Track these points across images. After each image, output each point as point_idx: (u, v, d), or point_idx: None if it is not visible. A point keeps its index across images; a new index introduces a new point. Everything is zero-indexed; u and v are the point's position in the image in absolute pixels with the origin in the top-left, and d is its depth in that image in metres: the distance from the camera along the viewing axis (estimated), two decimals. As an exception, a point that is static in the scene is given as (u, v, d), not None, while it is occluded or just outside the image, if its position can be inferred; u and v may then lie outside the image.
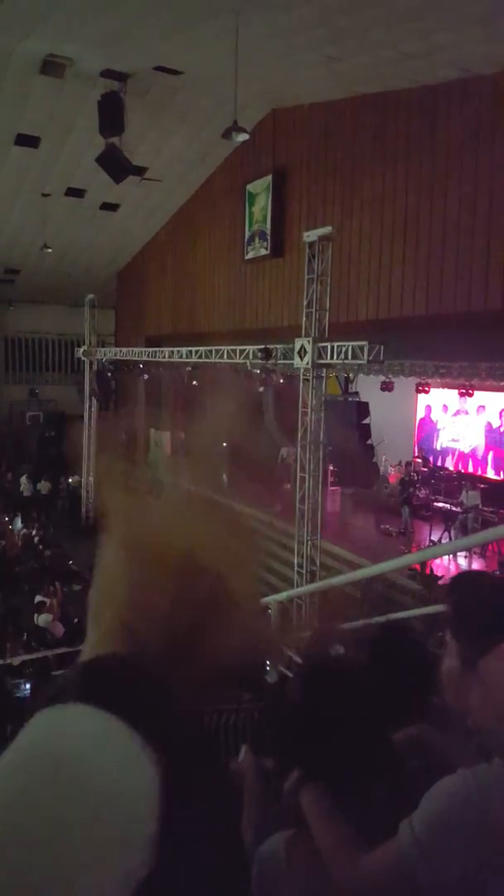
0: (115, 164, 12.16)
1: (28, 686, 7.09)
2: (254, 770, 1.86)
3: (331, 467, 14.39)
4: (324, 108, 12.56)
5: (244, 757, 1.99)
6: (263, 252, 14.48)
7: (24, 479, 20.05)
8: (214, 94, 11.96)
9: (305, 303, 10.20)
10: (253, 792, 1.77)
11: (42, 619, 10.43)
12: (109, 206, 17.22)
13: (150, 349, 16.85)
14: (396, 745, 1.56)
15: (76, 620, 10.88)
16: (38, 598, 11.09)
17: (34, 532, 16.54)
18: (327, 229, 9.89)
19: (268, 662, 4.69)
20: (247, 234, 14.99)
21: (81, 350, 19.35)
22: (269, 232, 14.24)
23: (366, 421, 10.28)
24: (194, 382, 15.40)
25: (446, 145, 10.12)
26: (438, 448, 17.69)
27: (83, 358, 19.33)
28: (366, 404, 11.20)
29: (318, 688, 1.42)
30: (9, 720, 2.89)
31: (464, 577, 1.32)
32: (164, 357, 15.84)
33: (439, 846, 1.09)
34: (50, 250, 17.43)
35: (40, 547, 15.63)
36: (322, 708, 1.36)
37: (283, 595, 6.15)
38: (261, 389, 12.05)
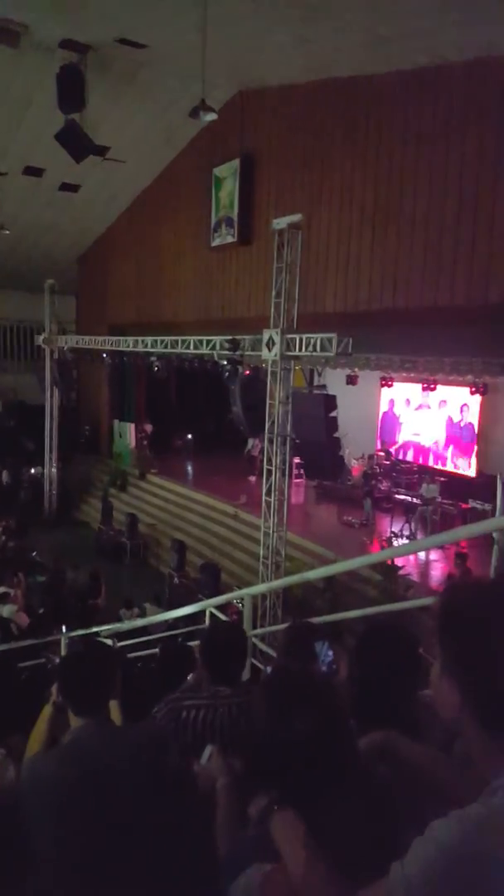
0: (76, 142, 11.73)
1: None
2: (224, 773, 1.79)
3: (297, 459, 14.31)
4: (294, 91, 12.31)
5: (210, 759, 1.91)
6: (231, 239, 14.19)
7: (-17, 470, 19.53)
8: (181, 72, 11.57)
9: (274, 293, 9.98)
10: (224, 797, 1.71)
11: (6, 610, 10.23)
12: (70, 187, 16.67)
13: (114, 338, 16.40)
14: (363, 753, 1.54)
15: (41, 611, 10.76)
16: (1, 589, 10.84)
17: (-4, 523, 16.12)
18: (297, 217, 9.67)
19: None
20: (213, 220, 14.68)
21: (41, 338, 18.80)
22: (236, 218, 13.95)
23: (333, 414, 10.17)
24: (156, 368, 15.04)
25: (418, 135, 9.98)
26: (400, 441, 17.77)
27: (43, 346, 18.78)
28: (333, 397, 11.08)
29: (284, 704, 1.38)
30: None
31: (453, 591, 1.26)
32: (128, 346, 15.44)
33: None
34: (7, 232, 16.83)
35: (2, 538, 15.25)
36: (289, 725, 1.31)
37: (256, 588, 6.03)
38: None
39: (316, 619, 5.11)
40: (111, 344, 16.27)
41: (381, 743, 1.62)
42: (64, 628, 8.43)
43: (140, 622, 8.07)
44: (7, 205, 16.27)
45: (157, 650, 7.27)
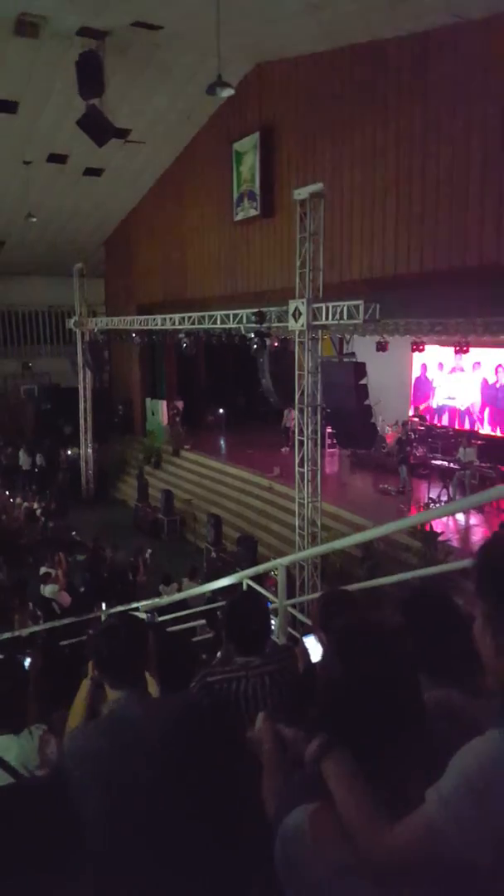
0: (97, 127, 11.83)
1: (27, 658, 7.07)
2: (272, 738, 1.82)
3: (329, 429, 14.36)
4: (310, 61, 12.21)
5: (261, 725, 1.95)
6: (253, 212, 14.21)
7: (22, 453, 20.04)
8: (196, 50, 11.60)
9: (298, 263, 10.05)
10: (272, 761, 1.74)
11: (49, 590, 10.50)
12: (93, 171, 16.84)
13: (142, 317, 16.64)
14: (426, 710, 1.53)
15: (82, 589, 11.04)
16: (43, 570, 11.16)
17: (35, 505, 16.60)
18: (318, 186, 9.68)
19: (273, 622, 4.72)
20: (235, 194, 14.70)
21: (72, 321, 19.13)
22: (258, 192, 13.96)
23: (363, 381, 10.20)
24: (184, 345, 15.16)
25: (437, 97, 9.87)
26: (435, 406, 17.66)
27: (74, 329, 19.11)
28: (363, 365, 11.08)
29: (355, 653, 1.39)
30: (21, 693, 2.93)
31: (494, 540, 1.33)
32: (156, 325, 15.65)
33: (468, 808, 1.07)
34: (34, 220, 17.07)
35: (42, 519, 15.70)
36: (358, 674, 1.33)
37: (288, 559, 6.17)
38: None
39: (353, 586, 5.22)
40: (140, 323, 16.50)
41: (442, 700, 1.63)
42: (104, 605, 8.58)
43: (178, 596, 8.25)
44: (33, 193, 16.50)
45: (194, 624, 7.46)
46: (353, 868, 1.19)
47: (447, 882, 1.13)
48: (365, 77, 11.05)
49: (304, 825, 1.27)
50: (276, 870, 1.29)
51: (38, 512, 16.21)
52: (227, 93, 9.51)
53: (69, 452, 20.26)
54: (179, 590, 10.56)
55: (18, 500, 16.81)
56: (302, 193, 9.85)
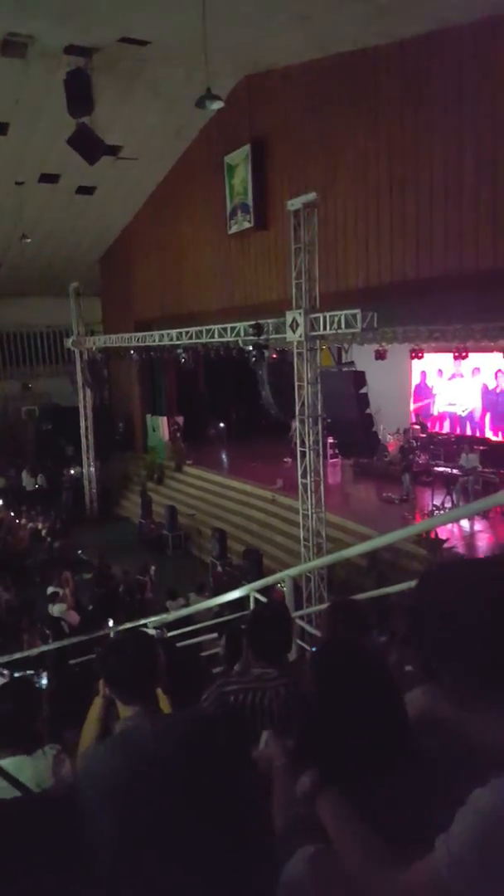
0: (88, 145, 11.83)
1: (45, 678, 7.06)
2: (281, 755, 1.80)
3: (330, 439, 14.29)
4: (299, 71, 12.22)
5: (267, 742, 1.93)
6: (247, 225, 14.20)
7: (24, 474, 19.99)
8: (185, 64, 11.59)
9: (294, 274, 9.99)
10: (281, 778, 1.71)
11: (57, 609, 10.50)
12: (86, 190, 16.86)
13: (140, 334, 16.60)
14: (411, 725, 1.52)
15: (90, 608, 11.00)
16: (50, 589, 11.13)
17: (40, 525, 16.53)
18: (311, 196, 9.65)
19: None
20: (228, 207, 14.70)
21: (70, 340, 19.11)
22: (251, 204, 13.95)
23: (363, 390, 10.14)
24: (182, 360, 15.09)
25: (429, 102, 9.84)
26: (435, 413, 17.60)
27: (73, 348, 19.10)
28: (362, 373, 11.06)
29: (335, 676, 1.37)
30: (37, 714, 2.89)
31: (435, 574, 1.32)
32: (154, 341, 15.61)
33: (478, 869, 1.06)
34: (29, 240, 17.10)
35: (48, 539, 15.65)
36: (338, 698, 1.31)
37: (295, 570, 6.08)
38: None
39: (359, 597, 5.11)
40: (137, 340, 16.48)
41: (425, 708, 1.58)
42: (111, 622, 8.56)
43: (185, 611, 8.20)
44: (27, 213, 16.53)
45: (202, 639, 7.39)
46: None
47: None
48: (355, 85, 11.05)
49: (304, 871, 1.24)
50: None
51: (44, 532, 16.17)
52: (216, 106, 9.49)
53: (72, 472, 20.23)
54: (187, 605, 10.50)
55: (24, 520, 16.75)
56: (295, 204, 9.82)
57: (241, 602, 6.68)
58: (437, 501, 13.50)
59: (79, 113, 11.35)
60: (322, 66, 11.66)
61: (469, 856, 1.06)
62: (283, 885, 1.28)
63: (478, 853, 1.06)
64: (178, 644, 6.95)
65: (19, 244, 17.35)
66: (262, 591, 5.96)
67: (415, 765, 1.29)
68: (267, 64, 12.56)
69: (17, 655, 8.01)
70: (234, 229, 14.68)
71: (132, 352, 17.13)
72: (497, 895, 1.06)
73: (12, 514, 17.22)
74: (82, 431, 19.32)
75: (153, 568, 12.73)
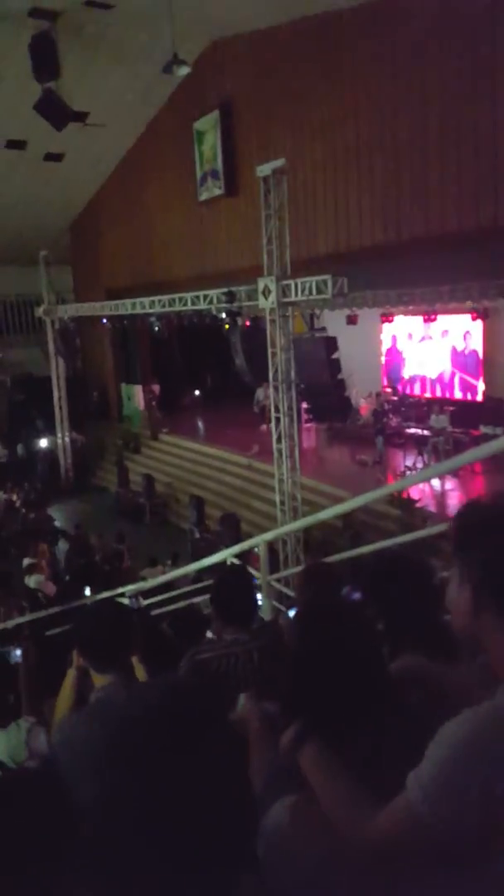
0: (55, 111, 11.71)
1: (18, 652, 7.08)
2: (258, 717, 1.83)
3: (304, 405, 14.52)
4: (266, 36, 12.14)
5: (245, 705, 1.95)
6: (218, 192, 14.17)
7: (-2, 446, 19.89)
8: (150, 28, 11.44)
9: (265, 240, 10.10)
10: (258, 739, 1.74)
11: (34, 580, 10.48)
12: (54, 157, 16.59)
13: (111, 302, 16.53)
14: (395, 680, 1.51)
15: (67, 578, 11.08)
16: (26, 561, 11.11)
17: (15, 497, 16.53)
18: (280, 161, 9.71)
19: (259, 597, 4.87)
20: (198, 174, 14.62)
21: (41, 309, 18.93)
22: (221, 170, 13.91)
23: (335, 356, 10.33)
24: (156, 328, 15.05)
25: (393, 65, 9.91)
26: (406, 376, 17.89)
27: (44, 317, 18.93)
28: (334, 339, 11.20)
29: (318, 633, 1.39)
30: (9, 689, 2.92)
31: (470, 502, 1.31)
32: (126, 310, 15.58)
33: (448, 798, 1.05)
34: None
35: (22, 510, 15.67)
36: (322, 654, 1.33)
37: (270, 535, 6.28)
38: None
39: (334, 558, 5.34)
40: (109, 309, 16.40)
41: (411, 668, 1.59)
42: (88, 591, 8.55)
43: (162, 578, 8.26)
44: (-7, 180, 16.26)
45: (180, 605, 7.49)
46: (337, 859, 1.17)
47: (435, 866, 1.11)
48: (321, 49, 11.04)
49: (285, 820, 1.26)
50: (261, 864, 1.28)
51: (18, 503, 16.18)
52: (183, 71, 9.49)
53: (42, 444, 20.15)
54: (166, 572, 10.58)
55: (-1, 493, 16.75)
56: (265, 170, 9.88)
57: (222, 567, 6.76)
58: (409, 462, 13.80)
59: (45, 78, 11.21)
60: (288, 30, 11.60)
61: (442, 789, 1.05)
62: (262, 834, 1.29)
63: (450, 785, 1.05)
64: (155, 612, 7.04)
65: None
66: (239, 555, 6.10)
67: (399, 716, 1.30)
68: (234, 28, 12.44)
69: (-6, 628, 8.01)
70: (204, 196, 14.64)
71: (104, 320, 17.03)
72: (470, 826, 1.05)
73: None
74: (56, 401, 19.19)
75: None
